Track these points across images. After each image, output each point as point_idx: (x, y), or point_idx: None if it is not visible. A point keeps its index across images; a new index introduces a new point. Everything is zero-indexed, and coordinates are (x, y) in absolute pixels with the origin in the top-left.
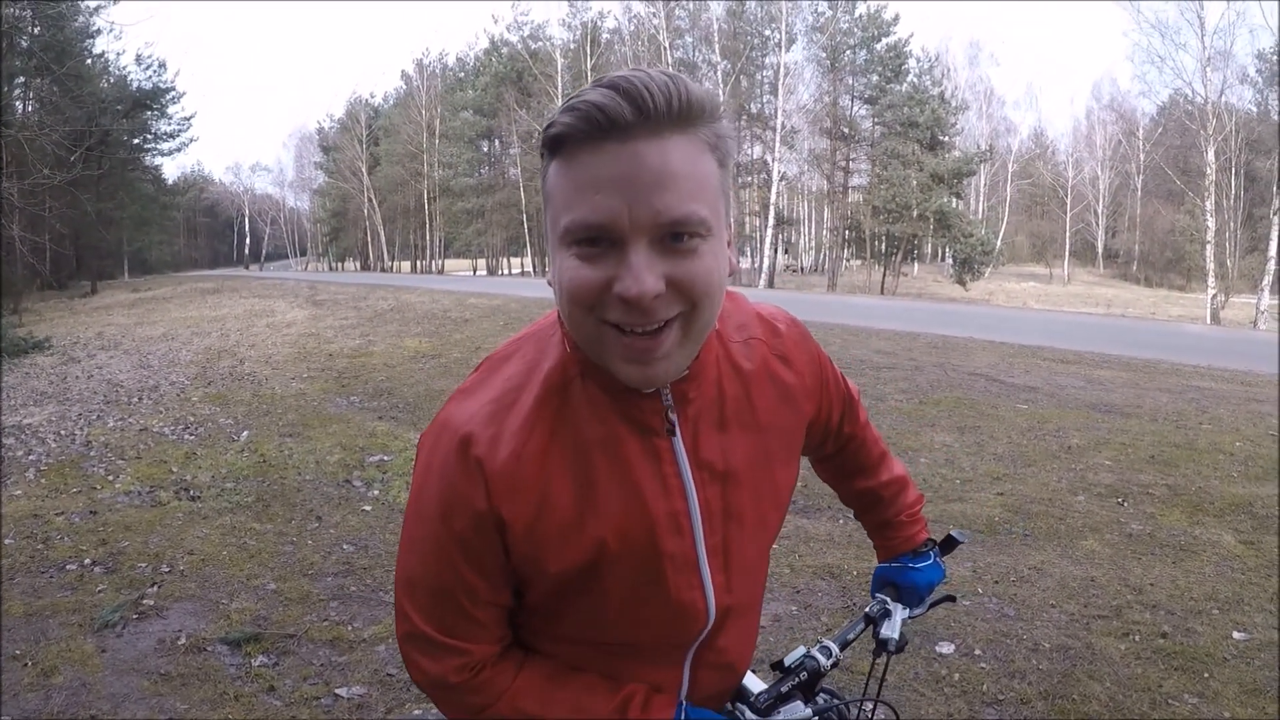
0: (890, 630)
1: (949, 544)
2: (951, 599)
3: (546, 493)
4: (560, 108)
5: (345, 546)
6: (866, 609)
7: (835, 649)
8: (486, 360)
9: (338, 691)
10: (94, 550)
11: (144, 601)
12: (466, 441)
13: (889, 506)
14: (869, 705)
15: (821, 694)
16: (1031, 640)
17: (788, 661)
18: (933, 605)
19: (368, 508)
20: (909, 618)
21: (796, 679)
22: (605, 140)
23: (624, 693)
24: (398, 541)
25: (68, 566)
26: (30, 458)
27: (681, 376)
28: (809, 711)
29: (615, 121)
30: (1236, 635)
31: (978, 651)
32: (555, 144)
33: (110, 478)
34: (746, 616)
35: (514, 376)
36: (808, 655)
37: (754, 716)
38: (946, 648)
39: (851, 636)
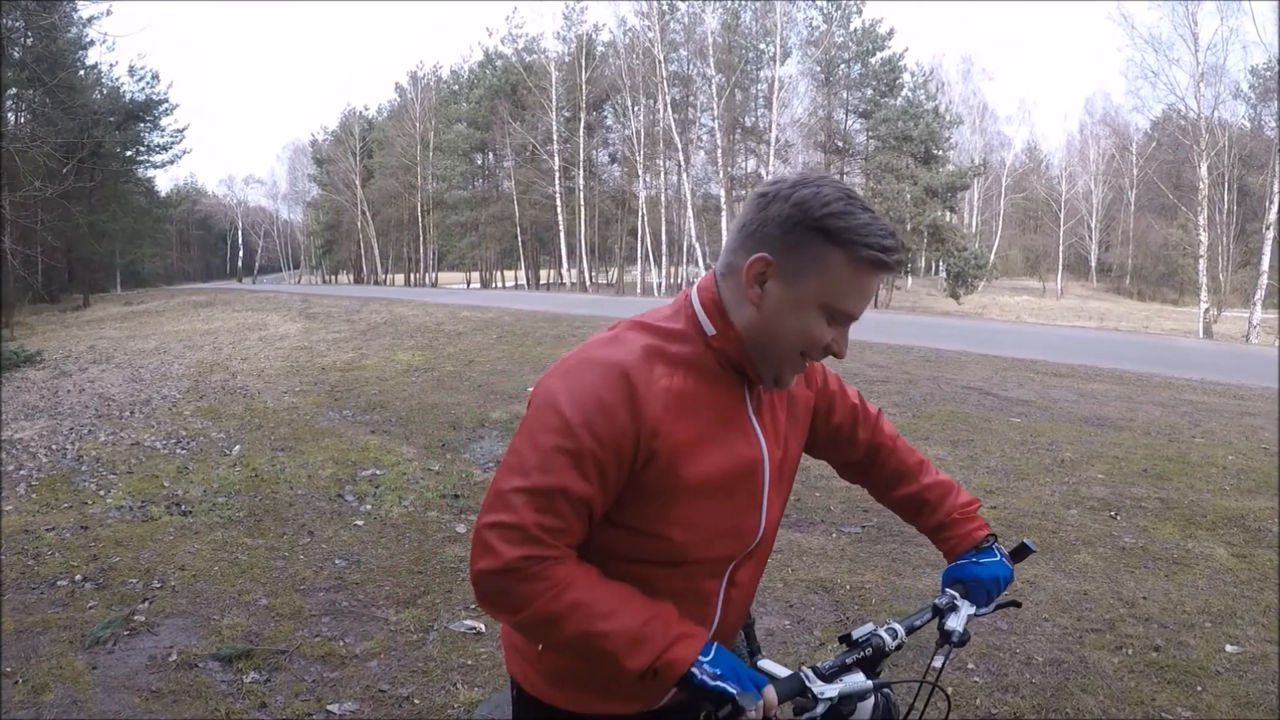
0: (955, 623)
1: (1021, 551)
2: (1016, 604)
3: (683, 424)
4: (859, 234)
5: (337, 561)
6: (936, 600)
7: (901, 632)
8: (610, 332)
9: (329, 708)
10: (85, 566)
11: (135, 618)
12: (627, 369)
13: (937, 508)
14: (925, 690)
15: (882, 674)
16: (1024, 654)
17: (855, 635)
18: (999, 607)
19: (360, 522)
20: (975, 614)
21: (861, 653)
22: (884, 274)
23: (660, 605)
24: (390, 557)
25: (58, 582)
26: (21, 473)
27: None
28: (870, 684)
29: (895, 268)
30: (1229, 648)
31: (971, 665)
32: (859, 248)
33: (101, 493)
34: (763, 554)
35: (655, 343)
36: (874, 633)
37: (819, 681)
38: (939, 661)
39: (919, 623)
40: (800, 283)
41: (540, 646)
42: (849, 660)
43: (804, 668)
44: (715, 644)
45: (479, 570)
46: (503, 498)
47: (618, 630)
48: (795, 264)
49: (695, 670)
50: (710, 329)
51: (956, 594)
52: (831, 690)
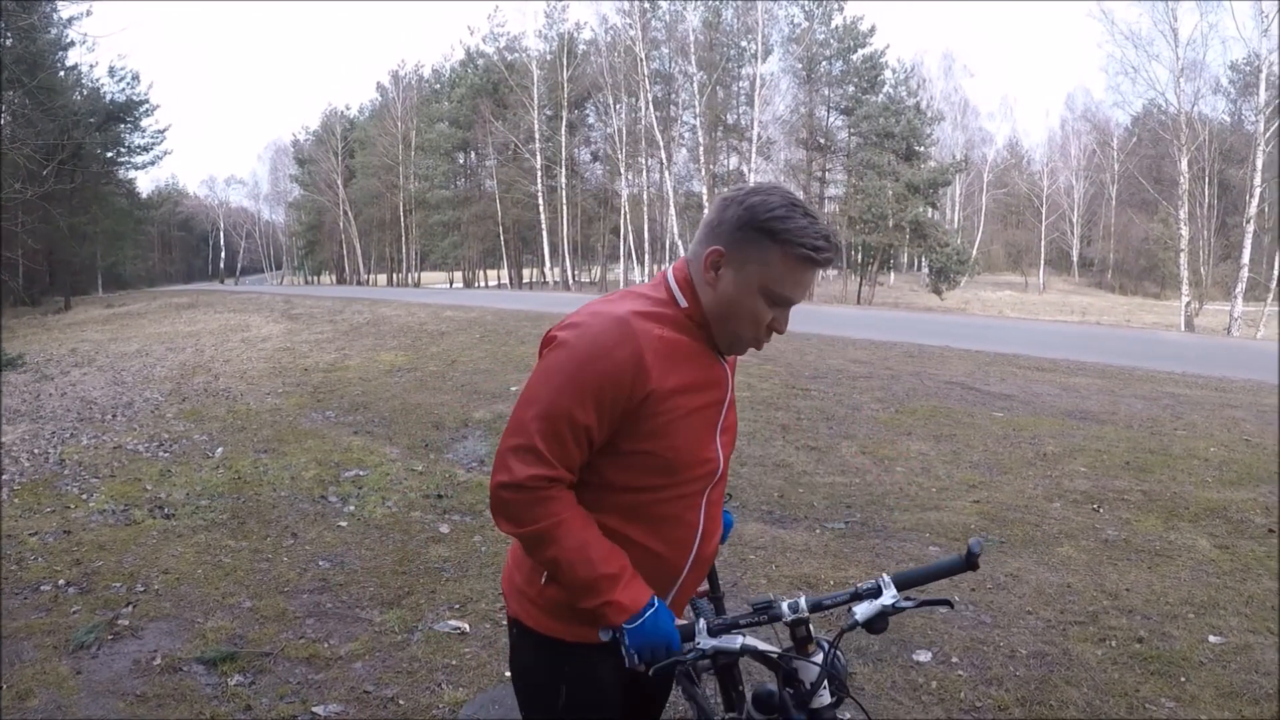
0: (864, 611)
1: (970, 559)
2: (948, 604)
3: (671, 365)
4: (796, 234)
5: (321, 563)
6: (859, 585)
7: (803, 605)
8: (603, 299)
9: (315, 710)
10: (68, 570)
11: (119, 622)
12: (627, 320)
13: None
14: (797, 663)
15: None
16: (1008, 647)
17: (754, 601)
18: (926, 604)
19: (343, 523)
20: (894, 606)
21: (757, 619)
22: (817, 269)
23: (627, 566)
24: (373, 558)
25: (42, 587)
26: (3, 477)
27: None
28: (740, 643)
29: (828, 264)
30: (1212, 639)
31: (955, 659)
32: (796, 245)
33: (84, 496)
34: (717, 515)
35: (648, 305)
36: (774, 602)
37: (706, 636)
38: (924, 656)
39: (828, 602)
40: (746, 270)
41: (533, 566)
42: (742, 621)
43: (704, 620)
44: (648, 613)
45: (497, 483)
46: (520, 424)
47: (583, 576)
48: (743, 256)
49: (618, 632)
50: (683, 301)
51: (890, 581)
52: (708, 644)
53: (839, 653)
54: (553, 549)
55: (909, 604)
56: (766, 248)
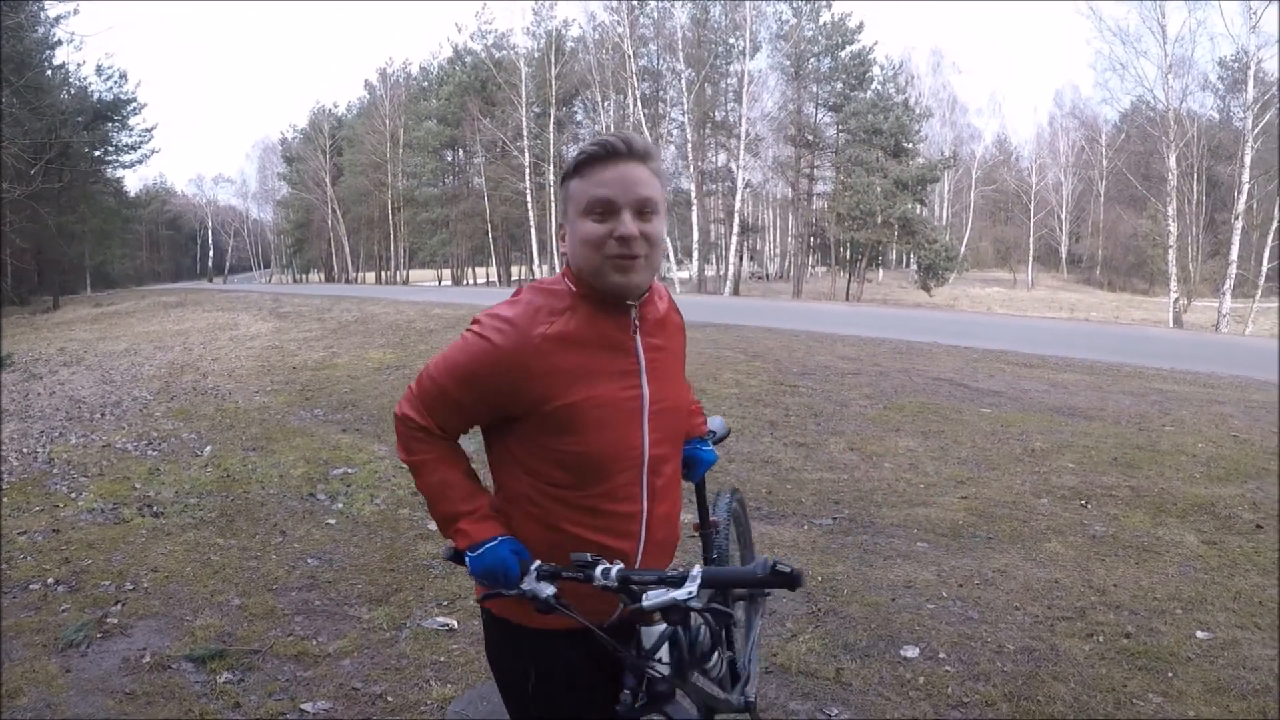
0: (653, 597)
1: (782, 577)
2: (790, 582)
3: (566, 362)
4: (583, 146)
5: (309, 560)
6: (676, 569)
7: (614, 575)
8: (508, 300)
9: (303, 707)
10: (57, 569)
11: (108, 620)
12: (510, 322)
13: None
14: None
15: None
16: (996, 642)
17: (577, 557)
18: (712, 611)
19: (332, 521)
20: (684, 603)
21: (575, 575)
22: (611, 160)
23: (483, 507)
24: (362, 555)
25: (31, 586)
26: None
27: (640, 300)
28: (547, 593)
29: (617, 150)
30: (1200, 634)
31: (942, 654)
32: (580, 165)
33: (73, 495)
34: (670, 496)
35: (534, 302)
36: (592, 563)
37: (532, 579)
38: (911, 651)
39: (634, 580)
40: (569, 211)
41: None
42: (564, 574)
43: (538, 563)
44: (488, 544)
45: (396, 411)
46: (421, 374)
47: (442, 509)
48: (566, 209)
49: (466, 556)
50: (573, 286)
51: (696, 571)
52: (528, 586)
53: (682, 630)
54: (420, 482)
55: (696, 605)
56: (570, 184)
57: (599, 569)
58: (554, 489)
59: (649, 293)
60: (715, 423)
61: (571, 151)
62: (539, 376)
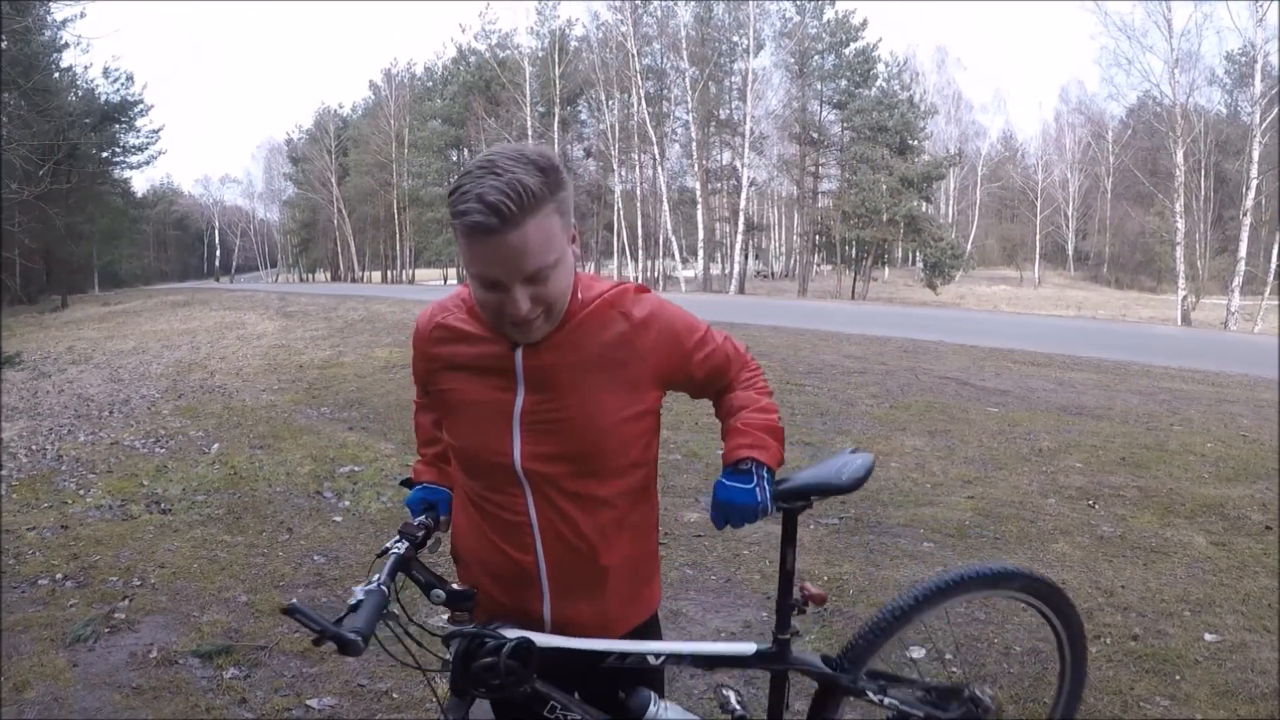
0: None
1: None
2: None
3: (455, 351)
4: (453, 205)
5: (316, 558)
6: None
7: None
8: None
9: (309, 703)
10: (65, 565)
11: (115, 615)
12: (431, 306)
13: (732, 413)
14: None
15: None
16: (1003, 644)
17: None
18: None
19: (338, 519)
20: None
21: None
22: (485, 236)
23: (431, 450)
24: (368, 552)
25: (39, 581)
26: (2, 473)
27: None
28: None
29: (489, 228)
30: (1208, 637)
31: (948, 655)
32: (462, 230)
33: (81, 492)
34: (579, 501)
35: (457, 295)
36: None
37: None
38: (917, 652)
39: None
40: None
41: None
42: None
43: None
44: (418, 487)
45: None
46: None
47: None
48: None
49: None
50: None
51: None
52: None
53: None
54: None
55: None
56: (456, 233)
57: (391, 546)
58: (459, 474)
59: (566, 317)
60: (834, 468)
61: (575, 151)
62: (427, 359)
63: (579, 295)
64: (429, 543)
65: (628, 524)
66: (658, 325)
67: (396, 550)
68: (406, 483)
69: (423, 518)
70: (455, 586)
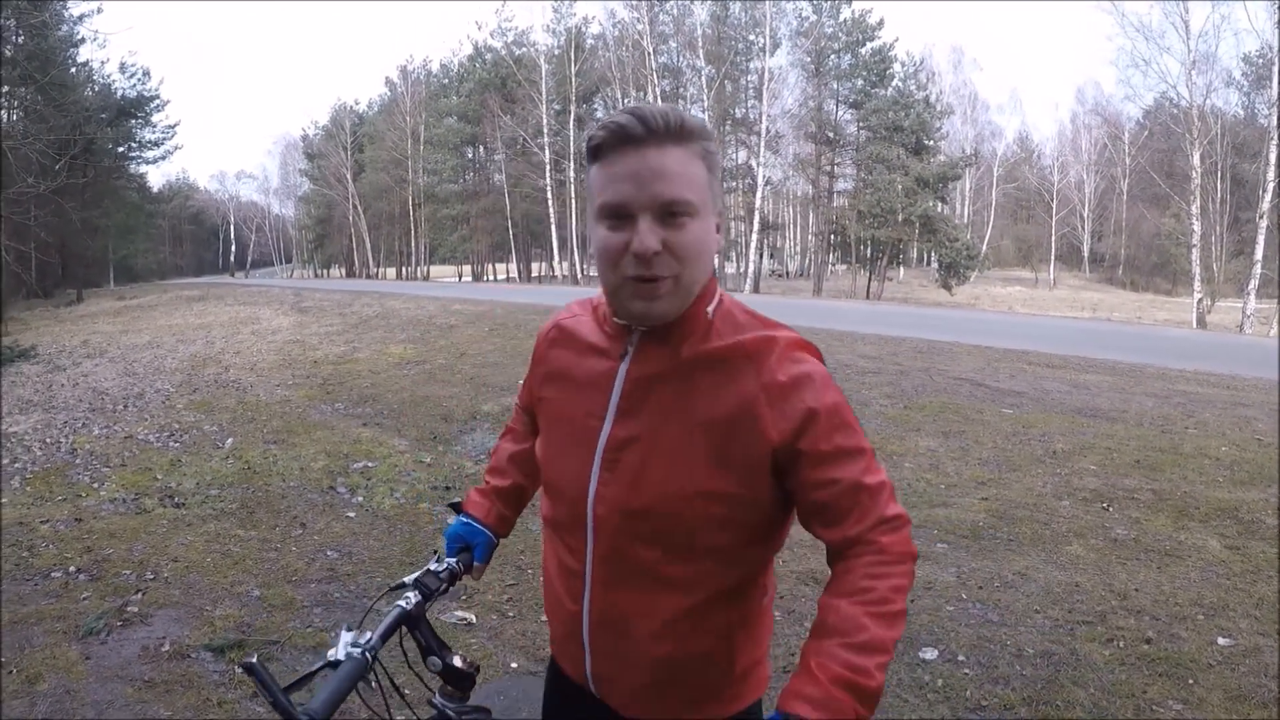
0: (336, 650)
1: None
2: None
3: (559, 354)
4: (596, 125)
5: (329, 553)
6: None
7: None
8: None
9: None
10: (79, 558)
11: (128, 609)
12: (555, 317)
13: (824, 616)
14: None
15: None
16: (1015, 646)
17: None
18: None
19: (351, 514)
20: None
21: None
22: (625, 146)
23: (492, 481)
24: (381, 548)
25: (53, 574)
26: (16, 466)
27: (656, 326)
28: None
29: (631, 134)
30: (1221, 641)
31: (961, 657)
32: (594, 151)
33: (95, 485)
34: (641, 571)
35: (575, 306)
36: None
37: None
38: (930, 653)
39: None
40: (589, 207)
41: None
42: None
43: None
44: (461, 517)
45: None
46: None
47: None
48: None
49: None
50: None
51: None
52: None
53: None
54: None
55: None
56: (590, 171)
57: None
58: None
59: (693, 327)
60: None
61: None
62: (541, 364)
63: (713, 311)
64: (449, 589)
65: (702, 621)
66: (798, 401)
67: (402, 605)
68: (455, 506)
69: (452, 561)
70: (457, 663)
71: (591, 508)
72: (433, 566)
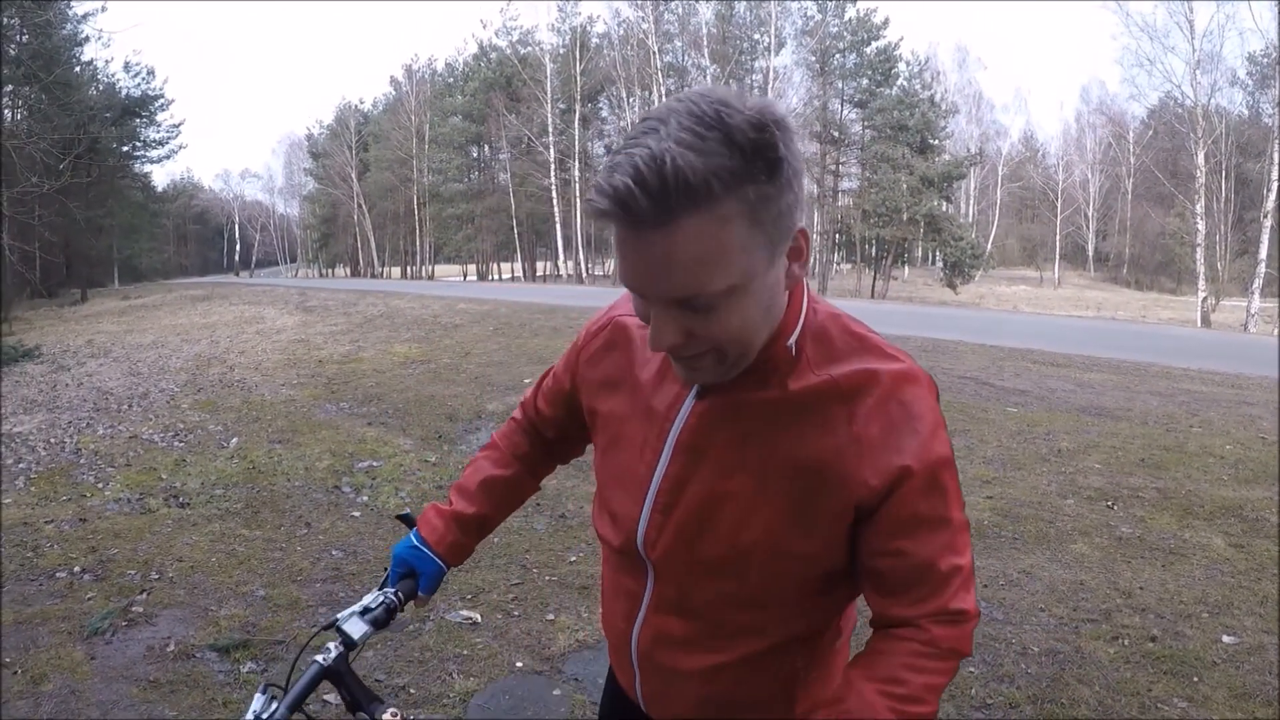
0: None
1: None
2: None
3: (605, 353)
4: (597, 175)
5: (334, 552)
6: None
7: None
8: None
9: (325, 698)
10: (83, 558)
11: (133, 609)
12: (608, 311)
13: (852, 670)
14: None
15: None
16: (1020, 644)
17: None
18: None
19: (356, 514)
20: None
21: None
22: (619, 229)
23: (454, 503)
24: (386, 548)
25: (57, 574)
26: (20, 466)
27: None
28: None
29: (627, 214)
30: (1226, 639)
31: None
32: (592, 215)
33: (100, 485)
34: (690, 615)
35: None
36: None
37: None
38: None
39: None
40: None
41: None
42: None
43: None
44: (409, 539)
45: None
46: None
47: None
48: None
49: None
50: None
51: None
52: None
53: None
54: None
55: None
56: None
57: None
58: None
59: (772, 366)
60: None
61: (596, 148)
62: (589, 364)
63: (795, 343)
64: (387, 625)
65: (762, 666)
66: (895, 455)
67: (319, 661)
68: (407, 520)
69: (391, 592)
70: (387, 717)
71: (643, 549)
72: (368, 601)
